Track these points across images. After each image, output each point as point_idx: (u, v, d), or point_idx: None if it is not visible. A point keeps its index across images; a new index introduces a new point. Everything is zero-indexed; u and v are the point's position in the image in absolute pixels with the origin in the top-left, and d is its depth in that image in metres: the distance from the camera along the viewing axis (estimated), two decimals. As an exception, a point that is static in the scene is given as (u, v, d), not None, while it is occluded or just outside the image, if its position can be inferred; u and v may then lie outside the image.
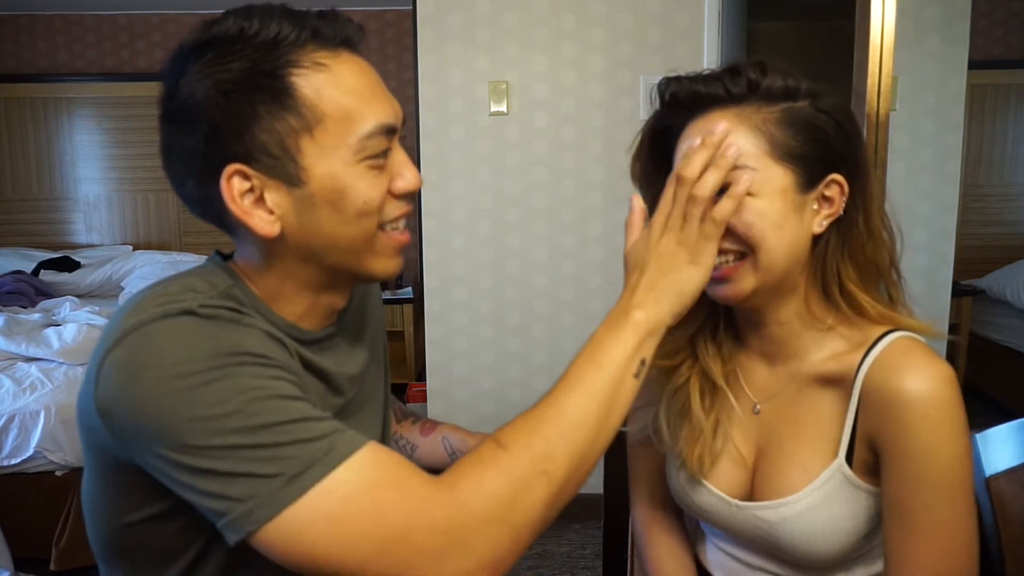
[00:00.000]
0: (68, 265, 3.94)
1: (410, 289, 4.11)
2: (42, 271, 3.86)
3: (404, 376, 3.92)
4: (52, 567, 2.28)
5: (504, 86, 2.46)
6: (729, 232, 0.79)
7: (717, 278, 0.82)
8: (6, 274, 3.65)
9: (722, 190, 0.76)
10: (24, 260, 3.95)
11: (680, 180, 0.75)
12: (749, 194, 0.78)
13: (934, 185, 2.47)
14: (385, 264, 0.78)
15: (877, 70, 1.69)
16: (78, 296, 3.60)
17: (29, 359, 2.57)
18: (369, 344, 0.93)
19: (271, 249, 0.75)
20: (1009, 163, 4.12)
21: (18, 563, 2.25)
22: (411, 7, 2.52)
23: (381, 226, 0.76)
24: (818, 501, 0.82)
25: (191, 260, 3.92)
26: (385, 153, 0.74)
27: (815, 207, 0.82)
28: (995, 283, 3.69)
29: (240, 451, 0.62)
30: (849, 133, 0.82)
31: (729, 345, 0.93)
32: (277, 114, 0.69)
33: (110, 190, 4.34)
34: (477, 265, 2.56)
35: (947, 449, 0.76)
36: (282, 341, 0.75)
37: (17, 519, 2.29)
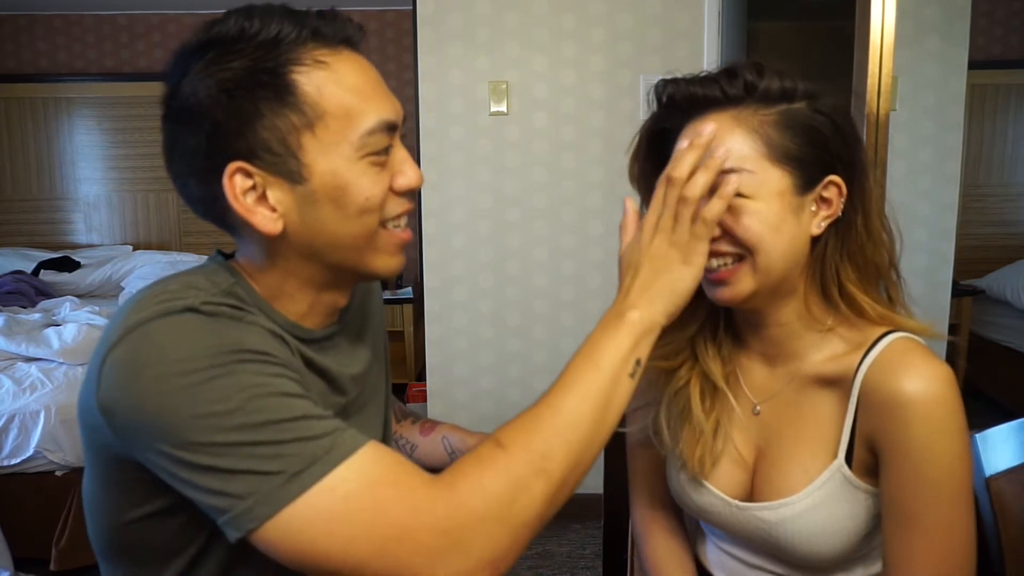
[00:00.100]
0: (68, 265, 3.94)
1: (410, 289, 4.11)
2: (42, 271, 3.86)
3: (404, 376, 3.92)
4: (52, 567, 2.28)
5: (504, 86, 2.46)
6: (727, 235, 0.79)
7: (716, 280, 0.82)
8: (6, 274, 3.65)
9: (717, 191, 0.76)
10: (24, 260, 3.95)
11: (670, 181, 0.76)
12: (747, 197, 0.78)
13: (934, 185, 2.47)
14: (387, 262, 0.78)
15: (877, 70, 1.69)
16: (78, 296, 3.60)
17: (29, 359, 2.57)
18: (371, 343, 0.93)
19: (273, 247, 0.75)
20: (1009, 163, 4.12)
21: (18, 563, 2.25)
22: (411, 7, 2.52)
23: (383, 223, 0.76)
24: (818, 501, 0.82)
25: (191, 260, 3.92)
26: (387, 150, 0.74)
27: (813, 209, 0.82)
28: (995, 283, 3.69)
29: (241, 448, 0.63)
30: (847, 134, 0.82)
31: (729, 346, 0.94)
32: (279, 111, 0.70)
33: (110, 190, 4.34)
34: (477, 265, 2.56)
35: (946, 449, 0.76)
36: (284, 339, 0.75)
37: (17, 519, 2.29)
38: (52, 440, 2.29)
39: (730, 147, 0.78)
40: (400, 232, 0.78)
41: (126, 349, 0.66)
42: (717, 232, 0.80)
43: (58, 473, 2.34)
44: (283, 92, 0.70)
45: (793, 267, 0.82)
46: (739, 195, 0.78)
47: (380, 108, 0.73)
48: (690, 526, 1.05)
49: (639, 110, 2.45)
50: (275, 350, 0.70)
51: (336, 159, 0.72)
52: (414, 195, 0.79)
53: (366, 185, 0.73)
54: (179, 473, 0.64)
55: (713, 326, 0.93)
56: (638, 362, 0.74)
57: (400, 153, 0.77)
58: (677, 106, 0.83)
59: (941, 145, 2.45)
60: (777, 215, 0.79)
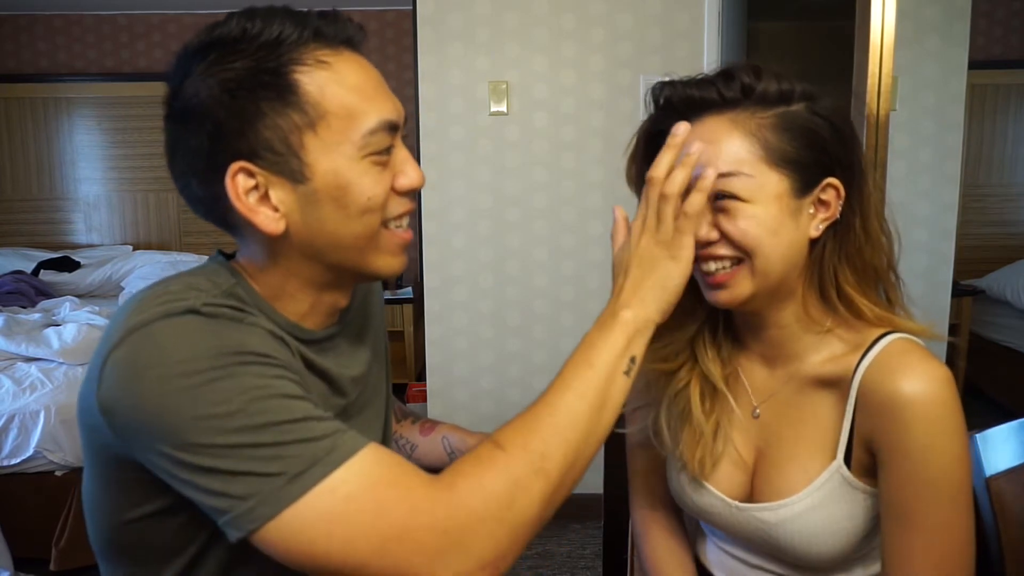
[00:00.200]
0: (68, 265, 3.94)
1: (410, 289, 4.11)
2: (42, 271, 3.86)
3: (404, 376, 3.92)
4: (52, 567, 2.28)
5: (504, 86, 2.46)
6: (725, 238, 0.79)
7: (714, 284, 0.82)
8: (6, 274, 3.65)
9: (695, 185, 0.77)
10: (24, 260, 3.95)
11: (650, 182, 0.77)
12: (744, 200, 0.78)
13: (934, 185, 2.47)
14: (389, 262, 0.78)
15: (877, 70, 1.69)
16: (78, 296, 3.60)
17: (29, 359, 2.57)
18: (371, 344, 0.93)
19: (275, 247, 0.76)
20: (1009, 163, 4.11)
21: (18, 563, 2.25)
22: (411, 7, 2.52)
23: (384, 223, 0.76)
24: (817, 502, 0.82)
25: (191, 260, 3.92)
26: (388, 150, 0.75)
27: (811, 211, 0.82)
28: (995, 283, 3.69)
29: (243, 450, 0.63)
30: (845, 136, 0.82)
31: (728, 348, 0.94)
32: (281, 111, 0.70)
33: (110, 190, 4.34)
34: (477, 265, 2.56)
35: (944, 450, 0.76)
36: (284, 340, 0.75)
37: (17, 519, 2.29)
38: (52, 440, 2.29)
39: (727, 150, 0.78)
40: (402, 232, 0.78)
41: (128, 350, 0.66)
42: (715, 236, 0.80)
43: (58, 473, 2.34)
44: (285, 92, 0.70)
45: (791, 270, 0.82)
46: (737, 199, 0.78)
47: (381, 108, 0.74)
48: (690, 526, 1.05)
49: (639, 110, 2.46)
50: (276, 351, 0.70)
51: (338, 159, 0.72)
52: (415, 195, 0.80)
53: (368, 185, 0.73)
54: (180, 474, 0.64)
55: (712, 328, 0.93)
56: (633, 360, 0.75)
57: (401, 153, 0.77)
58: (674, 108, 0.83)
59: (941, 145, 2.45)
60: (775, 218, 0.79)
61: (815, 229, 0.82)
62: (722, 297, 0.82)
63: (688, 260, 0.77)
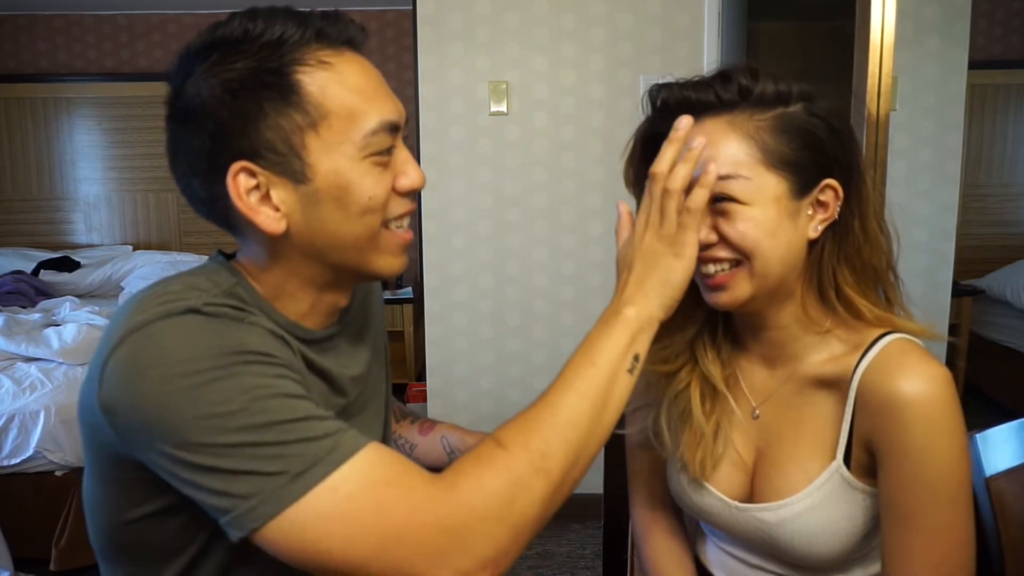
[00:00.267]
0: (68, 265, 3.94)
1: (410, 289, 4.11)
2: (42, 271, 3.86)
3: (404, 376, 3.92)
4: (52, 567, 2.28)
5: (504, 86, 2.46)
6: (724, 240, 0.79)
7: (713, 286, 0.82)
8: (6, 274, 3.65)
9: (699, 180, 0.77)
10: (24, 260, 3.95)
11: (653, 177, 0.76)
12: (743, 203, 0.78)
13: (934, 185, 2.47)
14: (389, 262, 0.78)
15: (877, 70, 1.69)
16: (78, 296, 3.60)
17: (29, 359, 2.57)
18: (371, 344, 0.93)
19: (276, 247, 0.76)
20: (1009, 163, 4.12)
21: (18, 563, 2.25)
22: (411, 7, 2.52)
23: (385, 224, 0.76)
24: (817, 502, 0.82)
25: (191, 260, 3.92)
26: (389, 150, 0.75)
27: (810, 212, 0.81)
28: (995, 283, 3.69)
29: (244, 449, 0.63)
30: (843, 137, 0.82)
31: (728, 349, 0.94)
32: (282, 111, 0.70)
33: (110, 190, 4.34)
34: (477, 265, 2.56)
35: (943, 450, 0.76)
36: (285, 340, 0.75)
37: (17, 519, 2.29)
38: (52, 440, 2.29)
39: (725, 153, 0.78)
40: (402, 232, 0.79)
41: (128, 350, 0.66)
42: (714, 238, 0.80)
43: (58, 473, 2.34)
44: (287, 92, 0.70)
45: (790, 271, 0.82)
46: (735, 201, 0.78)
47: (383, 108, 0.74)
48: (690, 526, 1.05)
49: (639, 110, 2.45)
50: (277, 351, 0.70)
51: (339, 159, 0.72)
52: (416, 195, 0.80)
53: (369, 185, 0.73)
54: (181, 473, 0.64)
55: (712, 329, 0.93)
56: (636, 358, 0.74)
57: (402, 154, 0.77)
58: (671, 111, 0.83)
59: (941, 145, 2.45)
60: (773, 220, 0.79)
61: (814, 230, 0.82)
62: (721, 299, 0.82)
63: (691, 257, 0.76)
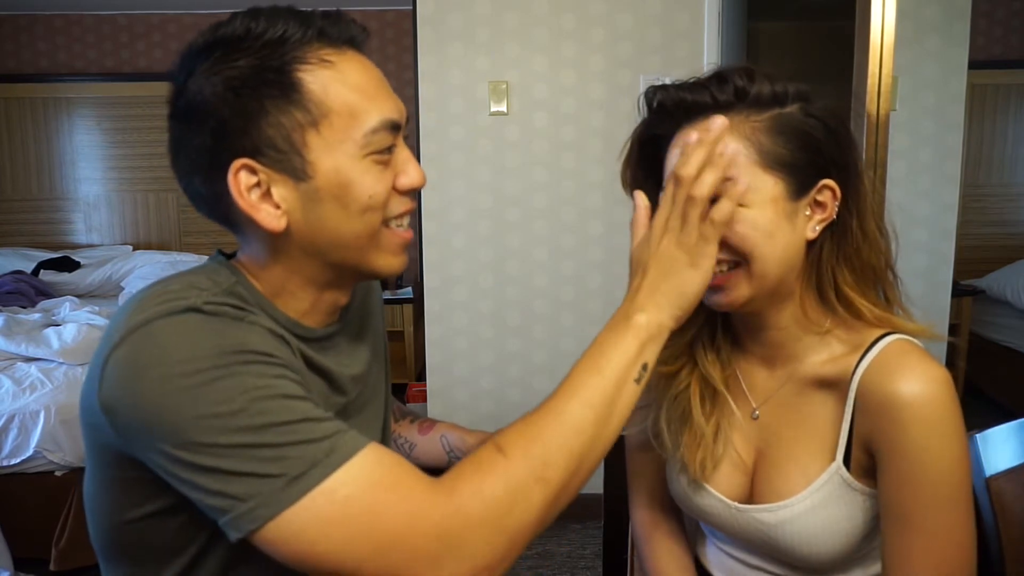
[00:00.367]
0: (68, 265, 3.94)
1: (410, 289, 4.11)
2: (42, 271, 3.86)
3: (404, 376, 3.92)
4: (52, 567, 2.28)
5: (504, 86, 2.46)
6: (722, 242, 0.79)
7: (712, 287, 0.82)
8: (6, 274, 3.65)
9: (726, 193, 0.75)
10: (24, 260, 3.95)
11: (678, 180, 0.74)
12: (740, 204, 0.78)
13: (934, 185, 2.47)
14: (389, 261, 0.79)
15: (877, 70, 1.69)
16: (78, 296, 3.60)
17: (29, 359, 2.57)
18: (371, 343, 0.93)
19: (276, 244, 0.76)
20: (1009, 163, 4.12)
21: (18, 563, 2.25)
22: (411, 7, 2.52)
23: (385, 222, 0.76)
24: (816, 503, 0.82)
25: (191, 260, 3.92)
26: (390, 149, 0.75)
27: (808, 213, 0.81)
28: (995, 283, 3.69)
29: (243, 450, 0.63)
30: (840, 137, 0.82)
31: (728, 350, 0.94)
32: (284, 109, 0.71)
33: (110, 190, 4.34)
34: (477, 265, 2.56)
35: (942, 451, 0.76)
36: (285, 339, 0.75)
37: (17, 519, 2.29)
38: (52, 440, 2.29)
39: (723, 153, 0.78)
40: (402, 232, 0.79)
41: (129, 349, 0.66)
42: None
43: (58, 473, 2.34)
44: (288, 90, 0.70)
45: (789, 272, 0.82)
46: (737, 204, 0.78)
47: (383, 107, 0.74)
48: (690, 527, 1.05)
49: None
50: (277, 350, 0.70)
51: (340, 157, 0.72)
52: (416, 194, 0.80)
53: (369, 183, 0.73)
54: (180, 473, 0.64)
55: (711, 330, 0.93)
56: (644, 367, 0.73)
57: (403, 152, 0.77)
58: (667, 112, 0.83)
59: (941, 145, 2.45)
60: (771, 222, 0.79)
61: (812, 231, 0.82)
62: (720, 300, 0.82)
63: (709, 269, 0.74)
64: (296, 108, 0.71)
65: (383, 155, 0.74)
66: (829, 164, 0.81)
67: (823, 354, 0.86)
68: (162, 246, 4.36)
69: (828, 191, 0.81)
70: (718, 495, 0.90)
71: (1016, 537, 1.00)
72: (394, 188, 0.76)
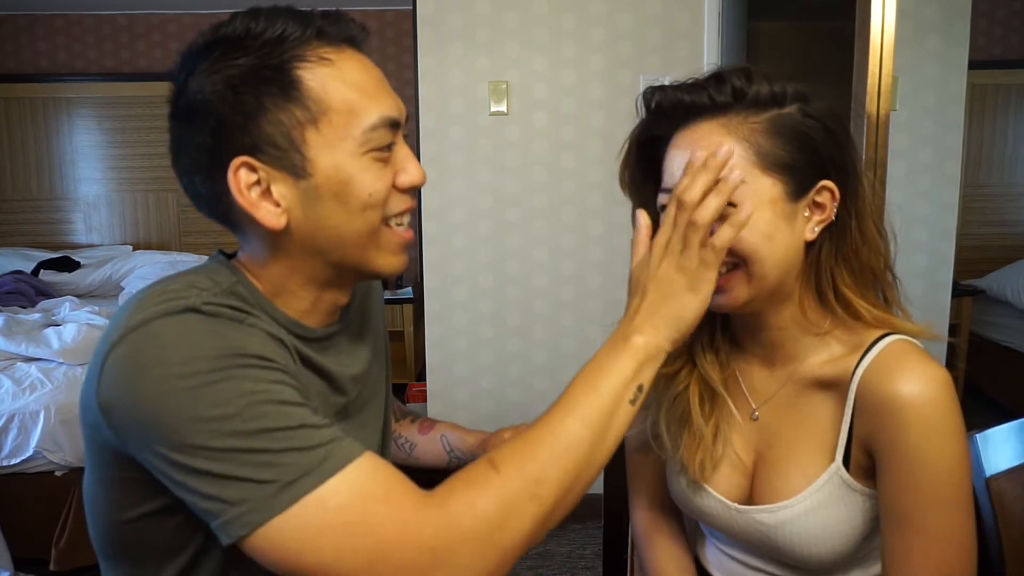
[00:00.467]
0: (68, 265, 3.94)
1: (410, 289, 4.11)
2: (42, 271, 3.86)
3: (404, 376, 3.92)
4: (52, 567, 2.28)
5: (504, 86, 2.46)
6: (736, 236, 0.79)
7: None
8: (6, 274, 3.65)
9: (729, 219, 0.75)
10: (24, 260, 3.95)
11: (680, 204, 0.74)
12: (739, 206, 0.77)
13: (934, 185, 2.47)
14: (389, 261, 0.79)
15: (877, 70, 1.69)
16: (78, 296, 3.60)
17: (29, 359, 2.57)
18: (371, 343, 0.93)
19: (277, 243, 0.76)
20: (1009, 163, 4.11)
21: (18, 563, 2.25)
22: (411, 7, 2.52)
23: (385, 221, 0.77)
24: (816, 504, 0.82)
25: (191, 260, 3.92)
26: (389, 147, 0.75)
27: (807, 214, 0.81)
28: (995, 283, 3.69)
29: (237, 454, 0.63)
30: (839, 138, 0.82)
31: (727, 350, 0.93)
32: (283, 106, 0.71)
33: (110, 190, 4.34)
34: (477, 265, 2.56)
35: (942, 452, 0.76)
36: (284, 342, 0.75)
37: (17, 519, 2.29)
38: (52, 440, 2.29)
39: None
40: (402, 231, 0.79)
41: (127, 348, 0.66)
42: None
43: (58, 473, 2.33)
44: (287, 87, 0.71)
45: (788, 273, 0.82)
46: (731, 204, 0.77)
47: (382, 104, 0.74)
48: (689, 527, 1.05)
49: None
50: (275, 354, 0.70)
51: (339, 154, 0.72)
52: (416, 193, 0.80)
53: (369, 180, 0.73)
54: (174, 475, 0.64)
55: (711, 331, 0.93)
56: (640, 388, 0.73)
57: (403, 150, 0.77)
58: (665, 113, 0.83)
59: (941, 145, 2.45)
60: (770, 223, 0.79)
61: (811, 232, 0.82)
62: (719, 301, 0.82)
63: (708, 294, 0.74)
64: (295, 106, 0.71)
65: (383, 153, 0.74)
66: (828, 165, 0.81)
67: (822, 355, 0.86)
68: (162, 246, 4.36)
69: (827, 192, 0.81)
70: (718, 496, 0.90)
71: (1016, 537, 1.00)
72: (394, 186, 0.76)
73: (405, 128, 0.78)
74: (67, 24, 4.26)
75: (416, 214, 2.57)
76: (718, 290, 0.81)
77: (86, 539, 0.81)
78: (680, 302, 0.74)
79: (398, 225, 0.78)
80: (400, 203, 0.77)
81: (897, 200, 2.35)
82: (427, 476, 0.74)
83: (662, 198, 0.84)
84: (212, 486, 0.63)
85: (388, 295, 3.92)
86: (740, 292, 0.81)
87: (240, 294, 0.75)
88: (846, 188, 0.82)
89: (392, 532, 0.63)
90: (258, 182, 0.72)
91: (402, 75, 4.14)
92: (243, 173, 0.71)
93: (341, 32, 0.74)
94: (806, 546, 0.83)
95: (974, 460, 1.00)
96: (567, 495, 0.69)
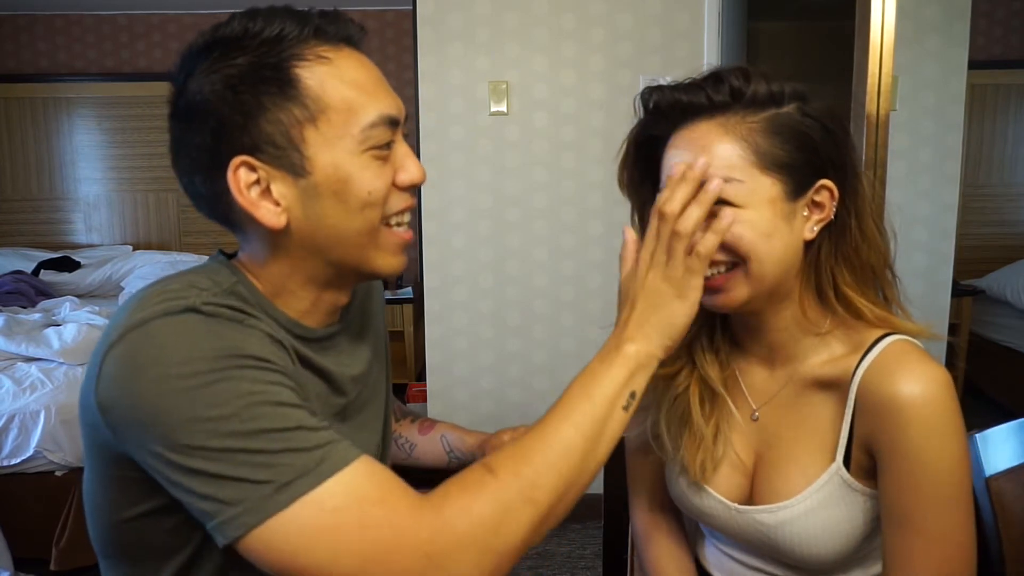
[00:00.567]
0: (68, 265, 3.94)
1: (410, 289, 4.11)
2: (42, 271, 3.86)
3: (404, 376, 3.92)
4: (52, 567, 2.28)
5: (504, 86, 2.46)
6: (720, 243, 0.79)
7: (710, 288, 0.81)
8: (6, 274, 3.65)
9: (711, 226, 0.76)
10: (24, 260, 3.95)
11: (662, 216, 0.75)
12: (737, 205, 0.77)
13: (934, 185, 2.47)
14: (389, 261, 0.79)
15: (877, 70, 1.69)
16: (78, 296, 3.60)
17: (29, 359, 2.57)
18: (372, 343, 0.93)
19: (277, 242, 0.76)
20: (1009, 163, 4.11)
21: (18, 563, 2.25)
22: (411, 7, 2.52)
23: (385, 220, 0.77)
24: (816, 504, 0.82)
25: (191, 260, 3.92)
26: (388, 145, 0.75)
27: (805, 213, 0.81)
28: (995, 283, 3.69)
29: (234, 455, 0.63)
30: (837, 137, 0.82)
31: (727, 350, 0.93)
32: (282, 105, 0.71)
33: (110, 190, 4.34)
34: (477, 265, 2.56)
35: (942, 452, 0.76)
36: (283, 343, 0.75)
37: (17, 519, 2.29)
38: (52, 440, 2.29)
39: (718, 156, 0.78)
40: (402, 232, 0.79)
41: (126, 348, 0.66)
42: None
43: (58, 473, 2.34)
44: (286, 86, 0.71)
45: (787, 272, 0.82)
46: (729, 204, 0.77)
47: (381, 102, 0.74)
48: (689, 527, 1.05)
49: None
50: (274, 356, 0.70)
51: (338, 152, 0.72)
52: (416, 192, 0.80)
53: (368, 178, 0.73)
54: (171, 475, 0.64)
55: (710, 331, 0.93)
56: (632, 395, 0.74)
57: (402, 148, 0.78)
58: (663, 113, 0.83)
59: (941, 145, 2.45)
60: (769, 223, 0.79)
61: (810, 231, 0.82)
62: (718, 301, 0.82)
63: (695, 300, 0.75)
64: (294, 104, 0.71)
65: (382, 151, 0.74)
66: (826, 164, 0.81)
67: (823, 355, 0.86)
68: (162, 246, 4.36)
69: (826, 191, 0.81)
70: (718, 496, 0.90)
71: (1016, 537, 1.00)
72: (394, 184, 0.76)
73: (404, 126, 0.78)
74: (67, 24, 4.26)
75: (416, 214, 2.57)
76: (718, 290, 0.81)
77: (86, 539, 0.81)
78: (669, 310, 0.75)
79: (398, 225, 0.78)
80: (400, 201, 0.77)
81: (897, 200, 2.35)
82: (426, 476, 0.74)
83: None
84: (208, 486, 0.63)
85: (388, 295, 3.92)
86: (739, 292, 0.81)
87: (240, 294, 0.75)
88: (845, 187, 0.82)
89: (388, 535, 0.63)
90: (258, 181, 0.72)
91: (402, 75, 4.14)
92: (243, 172, 0.72)
93: (339, 31, 0.75)
94: (806, 546, 0.83)
95: (974, 460, 1.00)
96: (562, 499, 0.69)
